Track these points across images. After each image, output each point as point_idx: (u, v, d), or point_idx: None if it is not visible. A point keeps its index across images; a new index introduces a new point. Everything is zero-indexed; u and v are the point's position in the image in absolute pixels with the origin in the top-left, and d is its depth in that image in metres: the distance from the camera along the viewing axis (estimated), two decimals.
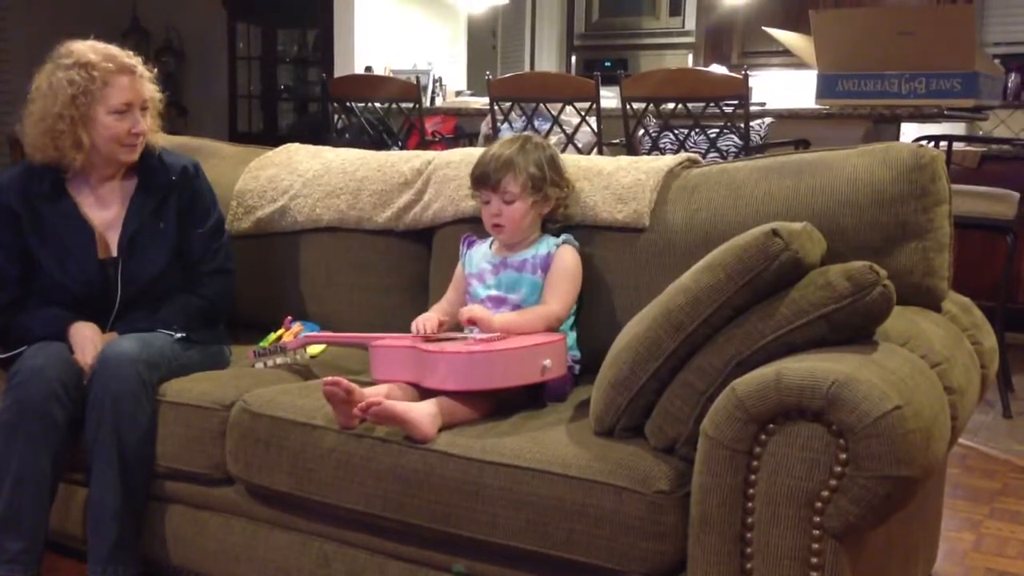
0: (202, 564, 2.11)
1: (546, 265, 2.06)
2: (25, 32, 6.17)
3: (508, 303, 2.07)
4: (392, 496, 1.78)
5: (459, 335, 2.03)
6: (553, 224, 2.16)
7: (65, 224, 2.23)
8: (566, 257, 2.07)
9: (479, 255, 2.17)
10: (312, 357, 2.26)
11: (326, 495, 1.87)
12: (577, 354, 2.08)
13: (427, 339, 1.99)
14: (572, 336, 2.09)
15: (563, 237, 2.10)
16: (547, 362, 1.85)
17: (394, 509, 1.79)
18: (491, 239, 2.18)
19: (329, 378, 1.82)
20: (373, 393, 1.85)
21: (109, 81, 2.16)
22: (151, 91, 2.24)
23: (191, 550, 2.12)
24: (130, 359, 2.05)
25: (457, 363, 1.84)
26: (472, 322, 1.94)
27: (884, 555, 1.71)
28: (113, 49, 2.21)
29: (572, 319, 2.10)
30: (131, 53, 2.24)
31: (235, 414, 2.00)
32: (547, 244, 2.09)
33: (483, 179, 2.08)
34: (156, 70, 2.29)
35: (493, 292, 2.09)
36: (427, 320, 2.06)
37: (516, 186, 2.05)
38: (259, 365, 2.20)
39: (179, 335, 2.20)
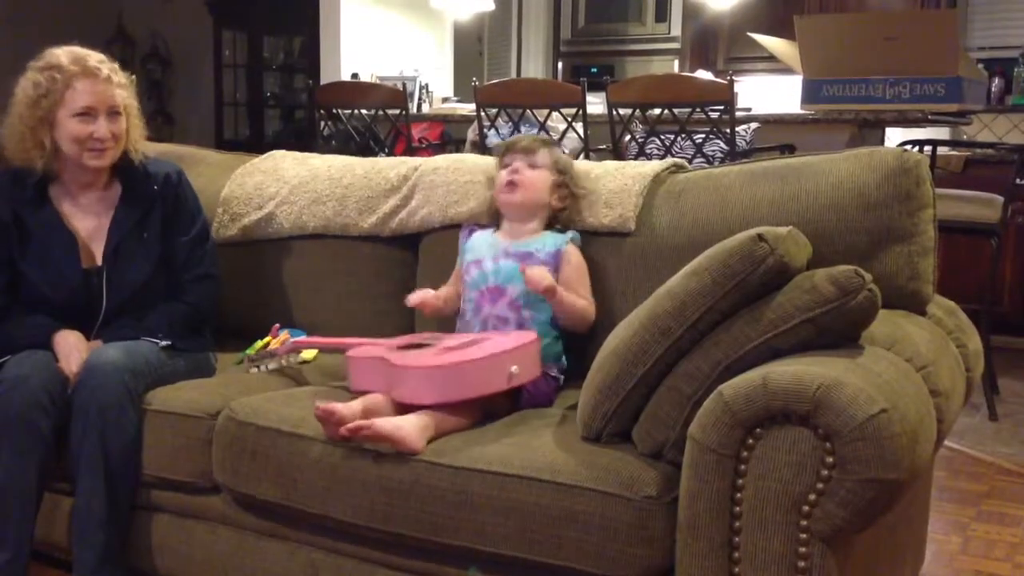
0: (188, 573, 2.10)
1: (556, 261, 2.07)
2: (10, 40, 6.14)
3: (507, 295, 2.06)
4: (379, 506, 1.77)
5: (435, 339, 2.02)
6: (555, 227, 2.15)
7: (49, 233, 2.22)
8: (575, 256, 2.09)
9: (481, 241, 2.17)
10: (305, 362, 2.27)
11: (312, 505, 1.86)
12: (564, 364, 2.08)
13: (400, 347, 1.99)
14: (560, 345, 2.08)
15: (571, 235, 2.12)
16: (514, 368, 1.84)
17: (381, 519, 1.78)
18: (494, 227, 2.17)
19: (322, 406, 1.80)
20: (367, 405, 1.84)
21: (71, 84, 2.14)
22: (123, 97, 2.21)
23: (177, 559, 2.11)
24: (115, 368, 2.04)
25: (422, 377, 1.83)
26: (541, 289, 1.96)
27: (871, 558, 1.71)
28: (84, 53, 2.19)
29: (558, 331, 2.09)
30: (106, 58, 2.22)
31: (221, 423, 2.00)
32: (555, 240, 2.10)
33: (516, 145, 2.16)
34: (134, 76, 2.28)
35: (491, 283, 2.08)
36: (423, 294, 2.14)
37: (547, 159, 2.13)
38: (254, 370, 2.20)
39: (164, 343, 2.19)
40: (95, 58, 2.20)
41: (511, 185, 2.11)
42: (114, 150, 2.22)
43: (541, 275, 1.97)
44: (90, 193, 2.27)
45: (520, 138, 2.22)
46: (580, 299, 2.05)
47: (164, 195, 2.30)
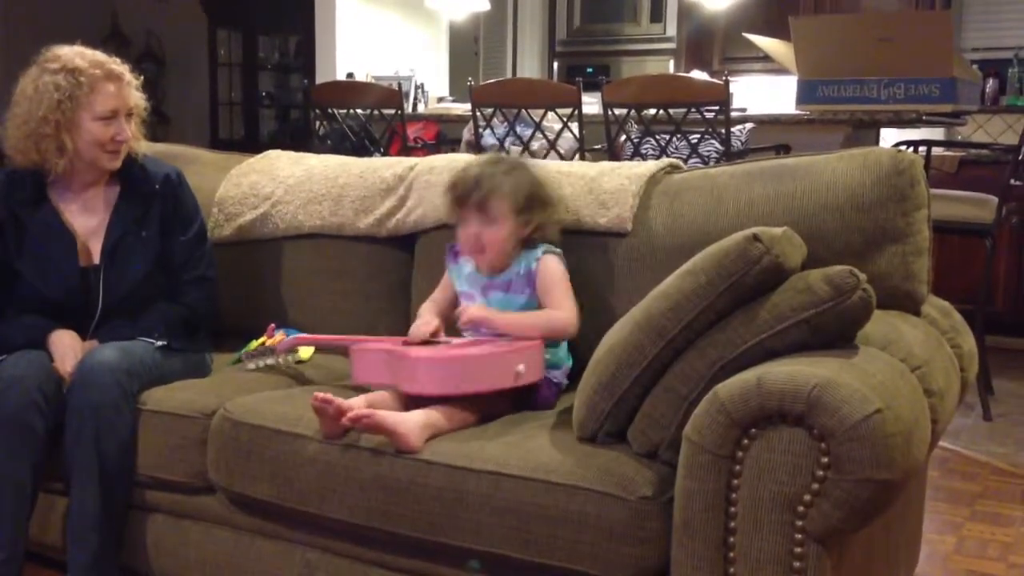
0: (184, 573, 2.10)
1: (532, 280, 2.01)
2: (3, 38, 6.13)
3: None
4: (375, 505, 1.77)
5: (442, 339, 2.03)
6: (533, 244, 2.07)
7: (47, 232, 2.21)
8: (550, 266, 2.02)
9: (464, 274, 2.10)
10: (301, 361, 2.26)
11: (308, 504, 1.86)
12: (569, 365, 2.06)
13: (406, 342, 1.99)
14: (561, 352, 2.06)
15: (542, 247, 2.04)
16: (520, 367, 1.84)
17: (377, 518, 1.78)
18: None
19: (320, 395, 1.80)
20: (363, 402, 1.84)
21: (96, 87, 2.15)
22: (137, 99, 2.24)
23: (173, 559, 2.11)
24: (110, 368, 2.03)
25: (431, 367, 1.84)
26: (472, 322, 1.92)
27: (866, 558, 1.71)
28: (100, 55, 2.20)
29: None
30: (118, 60, 2.23)
31: (216, 422, 1.99)
32: (528, 258, 2.03)
33: (468, 199, 1.98)
34: (142, 78, 2.29)
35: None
36: (426, 325, 2.02)
37: (504, 206, 1.97)
38: (251, 365, 2.20)
39: (160, 343, 2.19)
40: (111, 60, 2.20)
41: (476, 253, 2.02)
42: (124, 151, 2.23)
43: (465, 315, 1.93)
44: (90, 191, 2.27)
45: (472, 186, 1.98)
46: (541, 312, 1.98)
47: (164, 194, 2.30)
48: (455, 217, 2.06)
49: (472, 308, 1.96)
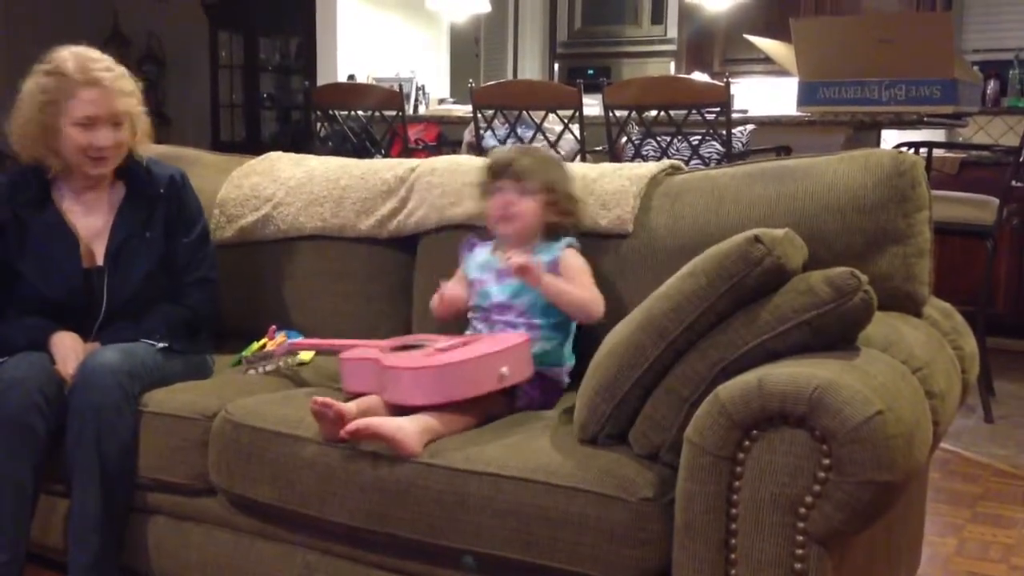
0: (184, 575, 2.09)
1: (554, 270, 2.03)
2: (4, 38, 6.14)
3: (514, 309, 2.05)
4: (375, 508, 1.77)
5: (428, 340, 2.01)
6: (555, 236, 2.11)
7: (49, 233, 2.21)
8: (573, 259, 2.06)
9: (480, 260, 2.14)
10: (302, 364, 2.27)
11: (308, 507, 1.85)
12: (572, 365, 2.06)
13: (393, 348, 1.99)
14: (566, 348, 2.06)
15: (566, 241, 2.08)
16: (504, 369, 1.84)
17: (377, 521, 1.78)
18: (491, 244, 2.16)
19: (319, 399, 1.80)
20: (361, 407, 1.84)
21: (74, 93, 2.12)
22: (128, 105, 2.19)
23: (173, 561, 2.11)
24: (112, 370, 2.03)
25: (411, 378, 1.83)
26: (521, 270, 1.94)
27: (867, 560, 1.71)
28: (93, 59, 2.16)
29: (573, 325, 2.08)
30: (113, 64, 2.20)
31: (217, 424, 1.99)
32: (550, 250, 2.06)
33: (507, 169, 2.07)
34: (143, 84, 2.27)
35: (497, 299, 2.07)
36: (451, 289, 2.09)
37: (539, 183, 2.06)
38: (252, 371, 2.20)
39: (161, 345, 2.19)
40: (101, 65, 2.17)
41: (504, 219, 2.07)
42: (115, 158, 2.22)
43: (514, 259, 1.96)
44: (94, 193, 2.27)
45: (511, 158, 2.11)
46: (576, 288, 2.01)
47: (168, 196, 2.30)
48: (489, 188, 2.12)
49: (520, 256, 1.97)
